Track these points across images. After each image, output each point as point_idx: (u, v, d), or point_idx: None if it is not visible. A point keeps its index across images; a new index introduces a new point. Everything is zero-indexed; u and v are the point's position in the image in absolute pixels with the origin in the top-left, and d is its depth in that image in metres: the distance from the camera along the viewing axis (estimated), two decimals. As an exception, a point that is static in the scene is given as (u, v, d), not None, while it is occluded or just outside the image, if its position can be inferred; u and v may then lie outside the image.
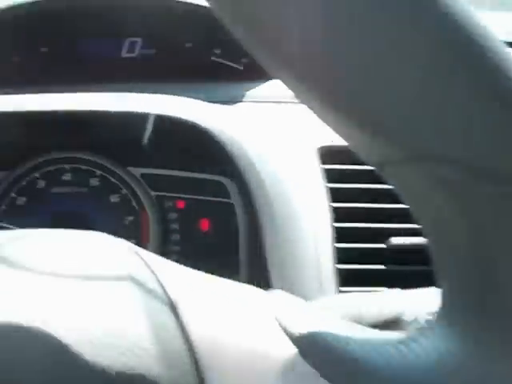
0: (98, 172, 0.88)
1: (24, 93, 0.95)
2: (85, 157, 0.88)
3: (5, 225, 0.89)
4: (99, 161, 0.88)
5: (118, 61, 1.03)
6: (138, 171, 0.88)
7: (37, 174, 0.88)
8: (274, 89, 0.97)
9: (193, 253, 0.88)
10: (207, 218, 0.88)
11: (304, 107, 0.31)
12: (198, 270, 0.78)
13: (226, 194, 0.87)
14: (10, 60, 1.03)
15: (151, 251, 0.84)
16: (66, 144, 0.89)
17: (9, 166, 0.89)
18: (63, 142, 0.88)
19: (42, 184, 0.89)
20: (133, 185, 0.88)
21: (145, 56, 1.04)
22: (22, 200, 0.89)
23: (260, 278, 0.80)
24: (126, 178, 0.88)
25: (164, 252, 0.87)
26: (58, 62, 1.03)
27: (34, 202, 0.89)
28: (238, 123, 0.83)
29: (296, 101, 0.94)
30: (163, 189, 0.88)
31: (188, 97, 0.89)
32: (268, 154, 0.77)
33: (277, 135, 0.83)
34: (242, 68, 1.03)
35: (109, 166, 0.88)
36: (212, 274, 0.81)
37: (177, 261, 0.84)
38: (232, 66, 1.03)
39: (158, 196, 0.88)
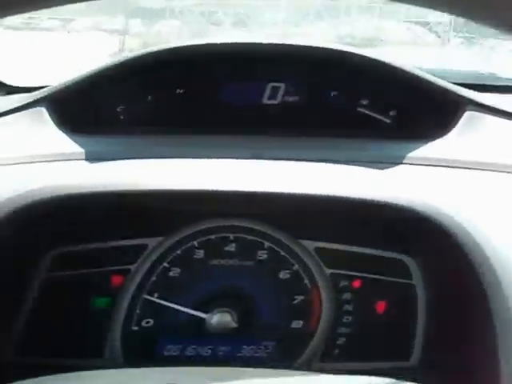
0: (267, 244, 0.78)
1: (158, 137, 0.84)
2: (252, 226, 0.78)
3: (154, 299, 0.77)
4: (269, 231, 0.77)
5: (259, 107, 0.92)
6: (311, 245, 0.78)
7: (195, 243, 0.77)
8: (428, 150, 0.87)
9: (363, 336, 0.79)
10: (384, 299, 0.79)
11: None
12: (366, 352, 0.67)
13: (407, 275, 0.78)
14: (144, 103, 0.90)
15: (320, 334, 0.76)
16: (230, 211, 0.78)
17: (163, 232, 0.78)
18: (228, 209, 0.77)
19: (200, 254, 0.78)
20: (306, 260, 0.77)
21: (287, 103, 0.93)
22: (175, 271, 0.78)
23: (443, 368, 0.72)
24: (299, 251, 0.78)
25: (332, 335, 0.78)
26: (196, 104, 0.91)
27: (189, 275, 0.78)
28: (435, 194, 0.73)
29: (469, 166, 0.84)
30: (338, 266, 0.78)
31: (332, 154, 0.80)
32: (491, 233, 0.68)
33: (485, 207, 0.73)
34: (389, 121, 0.93)
35: (279, 237, 0.77)
36: (380, 357, 0.73)
37: (345, 344, 0.76)
38: (379, 119, 0.94)
39: (332, 274, 0.78)
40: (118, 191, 0.69)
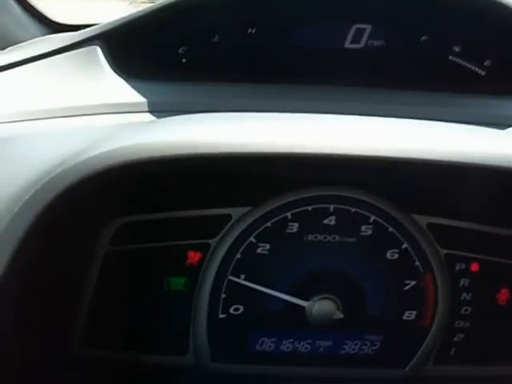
0: (373, 217, 0.65)
1: (226, 84, 0.70)
2: (355, 196, 0.65)
3: (239, 280, 0.65)
4: (375, 203, 0.65)
5: (340, 53, 0.79)
6: (424, 220, 0.66)
7: (288, 215, 0.65)
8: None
9: (482, 332, 0.68)
10: (506, 287, 0.67)
11: None
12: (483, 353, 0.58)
13: None
14: (209, 44, 0.76)
15: (436, 328, 0.64)
16: (330, 178, 0.65)
17: (250, 201, 0.65)
18: (327, 175, 0.64)
19: (293, 228, 0.65)
20: (418, 238, 0.65)
21: (372, 49, 0.79)
22: (264, 248, 0.65)
23: None
24: (410, 228, 0.65)
25: (449, 330, 0.67)
26: (269, 47, 0.77)
27: (280, 252, 0.65)
28: None
29: None
30: (454, 245, 0.67)
31: (422, 111, 0.67)
32: None
33: None
34: (483, 74, 0.80)
35: (388, 210, 0.65)
36: (498, 360, 0.61)
37: (462, 342, 0.64)
38: (472, 70, 0.80)
39: (447, 255, 0.66)
40: (200, 154, 0.55)
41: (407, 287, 0.66)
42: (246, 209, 0.64)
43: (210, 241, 0.64)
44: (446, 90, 0.74)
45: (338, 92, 0.71)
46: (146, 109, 0.65)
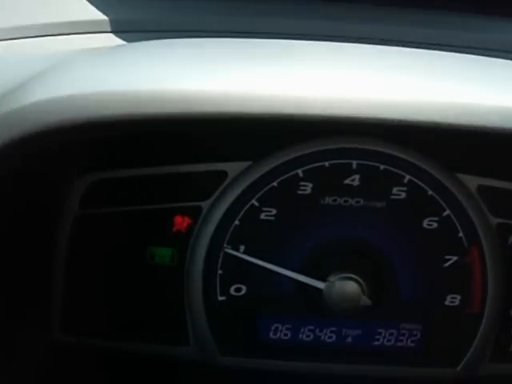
0: (408, 177, 0.54)
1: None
2: (386, 150, 0.53)
3: (238, 253, 0.54)
4: (411, 159, 0.53)
5: None
6: (473, 181, 0.55)
7: (299, 172, 0.54)
8: None
9: None
10: None
11: None
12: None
13: None
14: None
15: (488, 317, 0.54)
16: (354, 128, 0.51)
17: (250, 155, 0.54)
18: (350, 124, 0.51)
19: (306, 189, 0.54)
20: (463, 203, 0.54)
21: None
22: (269, 213, 0.54)
23: None
24: (456, 191, 0.54)
25: (504, 319, 0.56)
26: None
27: (289, 219, 0.54)
28: None
29: None
30: (509, 214, 0.55)
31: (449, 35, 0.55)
32: None
33: None
34: None
35: (427, 168, 0.54)
36: None
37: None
38: None
39: (500, 224, 0.55)
40: (197, 114, 0.41)
41: (447, 264, 0.55)
42: (246, 164, 0.54)
43: (201, 203, 0.54)
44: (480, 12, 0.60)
45: (344, 11, 0.58)
46: (109, 29, 0.54)
